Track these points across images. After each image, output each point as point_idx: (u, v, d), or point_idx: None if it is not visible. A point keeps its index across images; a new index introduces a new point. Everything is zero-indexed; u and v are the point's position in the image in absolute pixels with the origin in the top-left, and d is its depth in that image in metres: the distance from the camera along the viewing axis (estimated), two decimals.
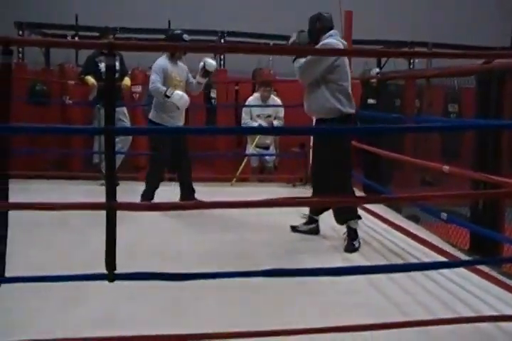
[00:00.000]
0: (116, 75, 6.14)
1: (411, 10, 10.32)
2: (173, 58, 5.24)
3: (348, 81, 4.13)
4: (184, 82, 5.30)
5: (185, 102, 5.11)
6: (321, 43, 4.05)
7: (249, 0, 9.83)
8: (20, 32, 8.06)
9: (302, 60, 4.06)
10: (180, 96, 5.06)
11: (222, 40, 8.33)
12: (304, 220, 4.59)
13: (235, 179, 6.83)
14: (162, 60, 5.24)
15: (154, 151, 5.37)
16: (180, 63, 5.34)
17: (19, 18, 8.34)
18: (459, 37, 9.07)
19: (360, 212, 5.08)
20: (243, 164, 6.97)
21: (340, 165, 4.14)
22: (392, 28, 9.79)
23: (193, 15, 9.54)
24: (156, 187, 5.30)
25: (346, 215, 4.16)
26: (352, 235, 4.14)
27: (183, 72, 5.32)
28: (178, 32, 5.26)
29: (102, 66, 6.20)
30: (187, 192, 5.35)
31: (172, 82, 5.15)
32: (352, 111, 4.12)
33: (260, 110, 6.97)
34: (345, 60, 4.13)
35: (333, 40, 4.05)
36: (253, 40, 8.58)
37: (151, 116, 5.31)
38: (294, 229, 4.57)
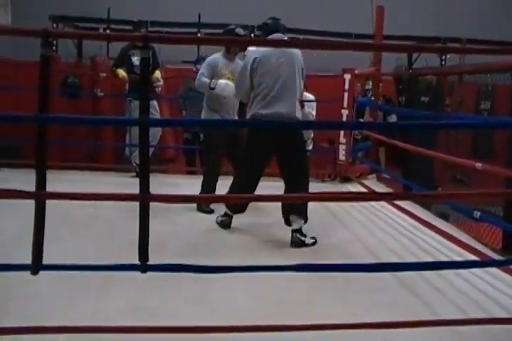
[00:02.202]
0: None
1: (444, 5, 10.18)
2: (229, 54, 5.05)
3: (273, 82, 4.06)
4: None
5: (231, 89, 4.84)
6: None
7: None
8: (55, 25, 8.16)
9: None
10: (224, 85, 4.89)
11: (252, 35, 8.31)
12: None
13: None
14: (214, 56, 5.08)
15: (208, 148, 5.22)
16: (238, 60, 5.12)
17: (53, 11, 8.46)
18: (493, 32, 8.91)
19: (389, 208, 5.09)
20: None
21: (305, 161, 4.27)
22: (424, 23, 9.67)
23: (223, 9, 9.55)
24: (215, 181, 5.07)
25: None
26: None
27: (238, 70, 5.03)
28: (232, 26, 5.10)
29: (135, 59, 6.23)
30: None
31: (221, 79, 4.97)
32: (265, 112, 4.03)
33: None
34: (272, 60, 4.07)
35: (254, 47, 4.17)
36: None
37: (202, 115, 5.17)
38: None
